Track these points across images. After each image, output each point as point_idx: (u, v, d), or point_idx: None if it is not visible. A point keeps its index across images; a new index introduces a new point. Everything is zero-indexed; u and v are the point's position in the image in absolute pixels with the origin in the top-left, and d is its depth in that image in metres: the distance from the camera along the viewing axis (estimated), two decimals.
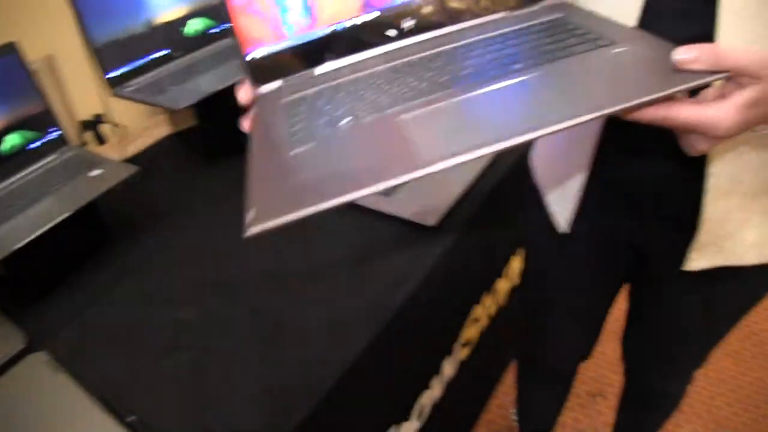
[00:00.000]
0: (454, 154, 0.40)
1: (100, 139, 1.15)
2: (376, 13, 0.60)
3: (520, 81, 0.48)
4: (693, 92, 0.44)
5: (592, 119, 0.41)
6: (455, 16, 0.61)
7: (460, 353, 1.13)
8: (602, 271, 0.89)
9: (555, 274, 0.92)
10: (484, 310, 1.19)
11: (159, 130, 1.29)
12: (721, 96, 0.43)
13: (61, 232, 0.88)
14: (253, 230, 0.39)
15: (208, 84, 1.14)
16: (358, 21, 0.60)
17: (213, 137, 1.20)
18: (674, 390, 1.06)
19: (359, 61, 0.60)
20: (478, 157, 0.40)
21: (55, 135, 1.05)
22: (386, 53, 0.60)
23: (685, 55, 0.42)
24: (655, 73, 0.45)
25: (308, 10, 0.59)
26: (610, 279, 0.91)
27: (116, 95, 1.15)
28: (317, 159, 0.46)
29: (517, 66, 0.50)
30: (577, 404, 1.53)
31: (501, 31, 0.58)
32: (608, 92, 0.45)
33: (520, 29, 0.58)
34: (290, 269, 0.89)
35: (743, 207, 0.62)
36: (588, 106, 0.42)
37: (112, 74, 1.14)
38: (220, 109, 1.10)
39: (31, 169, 1.02)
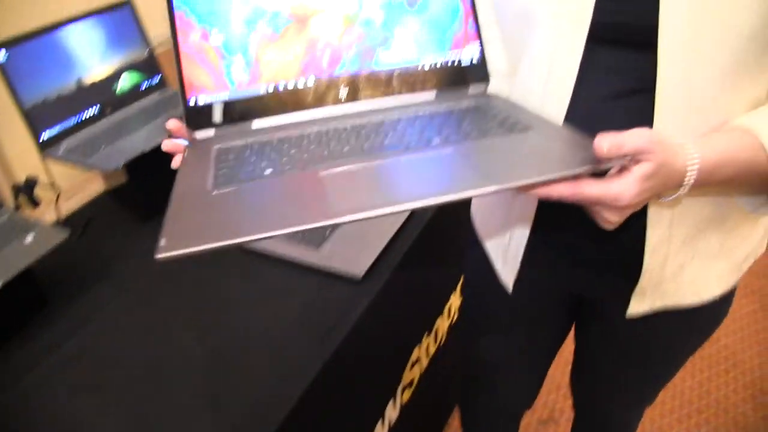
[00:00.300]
0: (359, 210, 0.46)
1: (35, 202, 1.17)
2: (313, 78, 0.66)
3: (433, 154, 0.55)
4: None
5: (495, 192, 0.47)
6: (388, 91, 0.68)
7: (403, 396, 1.17)
8: (545, 320, 0.93)
9: (497, 326, 0.95)
10: (424, 350, 1.24)
11: (93, 187, 1.31)
12: (622, 170, 0.50)
13: None
14: (161, 256, 0.43)
15: (137, 143, 1.18)
16: (297, 83, 0.66)
17: (144, 195, 1.24)
18: (625, 422, 1.11)
19: (292, 122, 0.66)
20: (384, 215, 0.46)
21: None
22: (318, 118, 0.66)
23: (601, 149, 0.49)
24: (561, 156, 0.52)
25: (251, 67, 0.65)
26: (553, 328, 0.95)
27: (48, 157, 1.18)
28: (234, 200, 0.50)
29: (434, 141, 0.57)
30: None
31: (427, 110, 0.65)
32: (514, 169, 0.51)
33: (445, 110, 0.65)
34: (222, 322, 0.93)
35: (681, 251, 0.67)
36: (493, 179, 0.48)
37: (44, 135, 1.17)
38: (150, 167, 1.14)
39: None
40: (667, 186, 0.52)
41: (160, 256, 0.43)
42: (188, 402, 0.81)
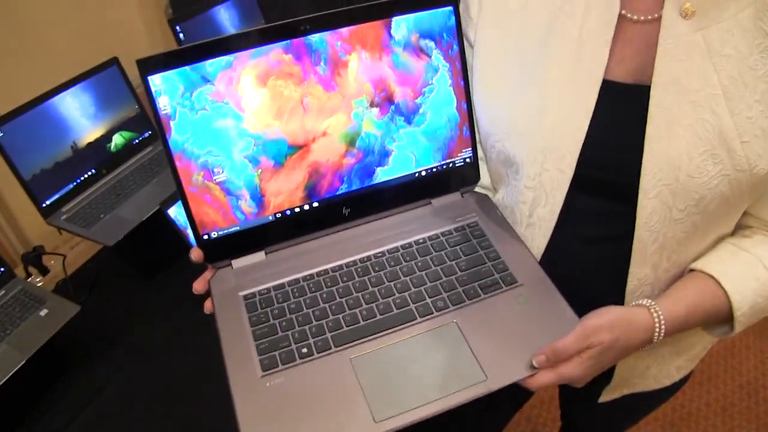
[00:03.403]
0: (394, 419, 0.60)
1: (44, 269, 1.37)
2: (317, 201, 0.76)
3: (442, 332, 0.68)
4: None
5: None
6: (387, 205, 0.80)
7: None
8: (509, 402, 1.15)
9: None
10: None
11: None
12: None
13: (19, 373, 1.11)
14: None
15: (134, 212, 1.38)
16: (303, 207, 0.75)
17: (143, 253, 1.44)
18: None
19: (302, 246, 0.77)
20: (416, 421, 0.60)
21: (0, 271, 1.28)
22: (326, 241, 0.78)
23: (539, 362, 0.64)
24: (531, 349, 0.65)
25: (257, 199, 0.73)
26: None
27: (50, 225, 1.38)
28: (289, 397, 0.63)
29: (439, 303, 0.70)
30: None
31: (424, 239, 0.78)
32: (503, 366, 0.65)
33: (439, 237, 0.78)
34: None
35: (648, 357, 0.84)
36: (485, 383, 0.63)
37: (46, 203, 1.37)
38: (147, 227, 1.36)
39: None
40: (631, 349, 0.67)
41: None
42: None
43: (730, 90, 0.63)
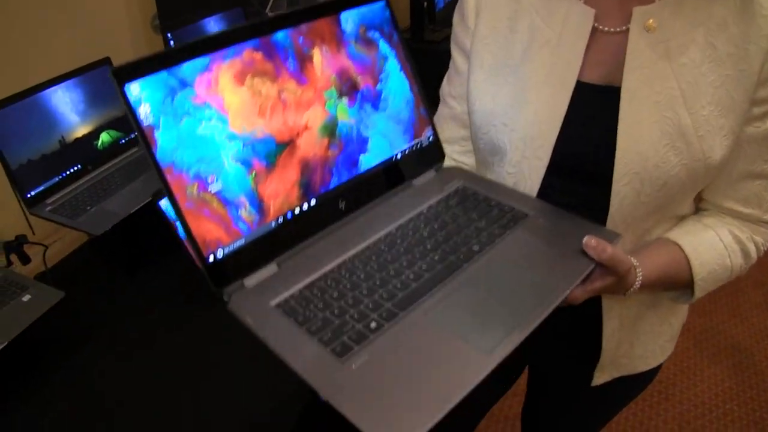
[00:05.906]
0: (503, 343, 0.58)
1: (26, 258, 1.40)
2: (314, 201, 0.76)
3: (494, 264, 0.71)
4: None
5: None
6: (377, 191, 0.83)
7: None
8: (496, 379, 1.21)
9: None
10: None
11: (74, 235, 1.55)
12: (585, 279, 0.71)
13: None
14: None
15: (121, 205, 1.43)
16: (302, 208, 0.75)
17: (123, 247, 1.49)
18: None
19: (311, 248, 0.75)
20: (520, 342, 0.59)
21: None
22: (334, 234, 0.77)
23: (587, 242, 0.70)
24: (567, 258, 0.71)
25: (256, 205, 0.70)
26: (500, 385, 1.25)
27: (34, 215, 1.41)
28: (381, 371, 0.57)
29: (475, 247, 0.73)
30: None
31: (424, 206, 0.82)
32: (552, 285, 0.67)
33: (440, 203, 0.82)
34: (202, 386, 1.19)
35: (630, 332, 0.94)
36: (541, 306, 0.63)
37: (30, 194, 1.41)
38: (128, 222, 1.41)
39: None
40: (613, 292, 0.78)
41: None
42: None
43: (687, 92, 0.75)
